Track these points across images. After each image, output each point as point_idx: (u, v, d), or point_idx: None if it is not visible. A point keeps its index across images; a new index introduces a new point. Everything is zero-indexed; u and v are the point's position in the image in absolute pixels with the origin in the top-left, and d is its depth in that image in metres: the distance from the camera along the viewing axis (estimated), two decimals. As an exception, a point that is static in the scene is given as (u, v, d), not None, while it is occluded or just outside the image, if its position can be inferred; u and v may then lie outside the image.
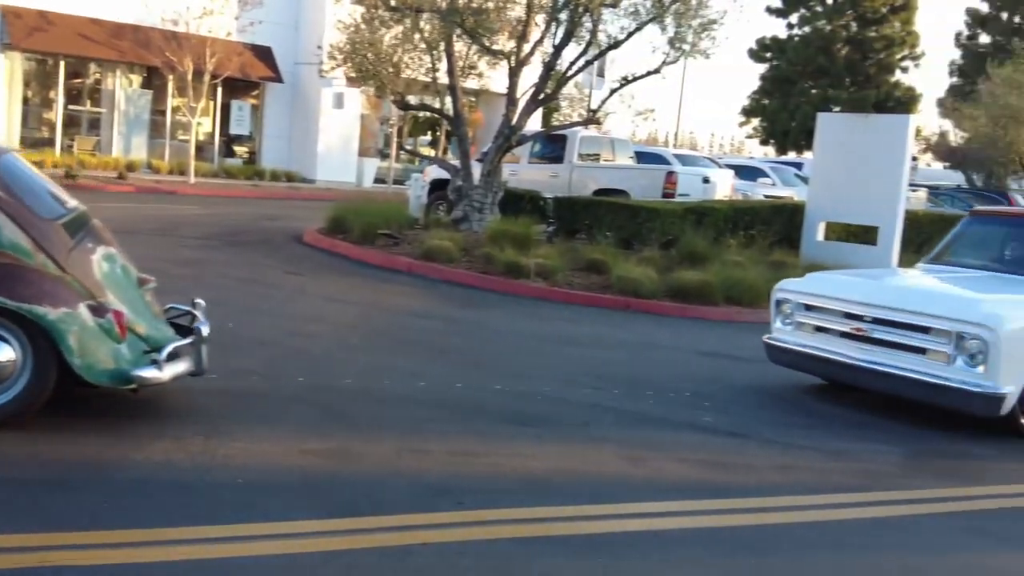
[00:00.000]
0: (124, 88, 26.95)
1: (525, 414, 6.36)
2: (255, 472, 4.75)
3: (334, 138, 29.12)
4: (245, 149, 29.73)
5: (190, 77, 23.12)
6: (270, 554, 3.86)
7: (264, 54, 27.48)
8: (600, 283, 12.29)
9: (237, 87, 27.86)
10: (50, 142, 25.68)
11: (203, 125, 27.18)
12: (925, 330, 6.84)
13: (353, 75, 16.88)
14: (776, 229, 15.75)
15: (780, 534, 4.69)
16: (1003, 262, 8.24)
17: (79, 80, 26.72)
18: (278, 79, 28.18)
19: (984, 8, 46.91)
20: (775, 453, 6.08)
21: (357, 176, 29.70)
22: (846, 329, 7.28)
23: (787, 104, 44.87)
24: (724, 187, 18.16)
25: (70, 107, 26.41)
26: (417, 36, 15.15)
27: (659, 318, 11.19)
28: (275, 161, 28.79)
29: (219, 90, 26.57)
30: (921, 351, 6.86)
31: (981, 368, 6.57)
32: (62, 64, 25.47)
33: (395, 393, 6.58)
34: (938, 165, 43.46)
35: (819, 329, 7.53)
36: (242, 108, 29.16)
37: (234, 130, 29.24)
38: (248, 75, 26.89)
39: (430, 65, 15.35)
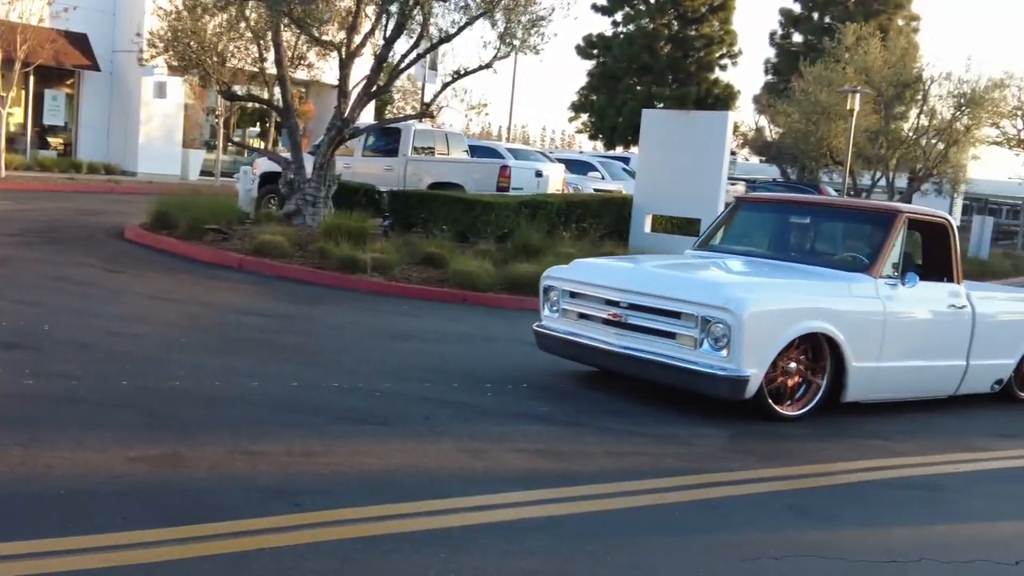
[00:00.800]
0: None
1: (363, 411, 6.31)
2: (80, 482, 4.51)
3: (156, 129, 27.96)
4: (60, 141, 28.16)
5: (-2, 65, 21.76)
6: (97, 567, 3.68)
7: (79, 41, 26.10)
8: (437, 277, 12.30)
9: (51, 76, 26.37)
10: None
11: (14, 116, 25.61)
12: (676, 315, 6.88)
13: (175, 64, 16.26)
14: (606, 222, 16.17)
15: (617, 520, 4.82)
16: (765, 246, 8.46)
17: None
18: (95, 67, 26.84)
19: (797, 9, 49.57)
20: (610, 440, 6.25)
21: (182, 168, 28.63)
22: (604, 315, 7.31)
23: (614, 100, 46.10)
24: (556, 181, 18.49)
25: None
26: (243, 25, 14.74)
27: (496, 311, 11.30)
28: (93, 153, 27.38)
29: (31, 79, 25.10)
30: (672, 336, 6.91)
31: (725, 352, 6.62)
32: None
33: (227, 394, 6.39)
34: (755, 159, 45.65)
35: (582, 316, 7.54)
36: (56, 98, 27.63)
37: (48, 121, 27.67)
38: (62, 63, 25.47)
39: (257, 55, 14.97)
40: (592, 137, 50.38)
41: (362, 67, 14.98)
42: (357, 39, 14.40)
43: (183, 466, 4.91)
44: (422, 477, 5.13)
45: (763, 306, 6.79)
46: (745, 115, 46.92)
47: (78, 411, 5.69)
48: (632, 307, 7.11)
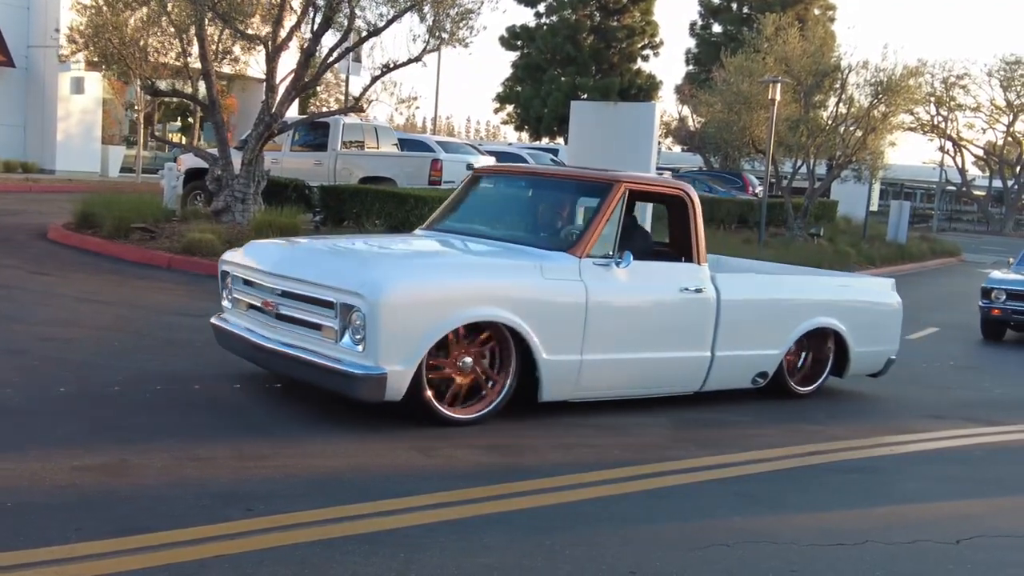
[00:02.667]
0: None
1: (310, 412, 6.26)
2: (26, 494, 4.41)
3: (74, 125, 27.23)
4: (-27, 139, 27.25)
5: (-97, 59, 20.96)
6: (51, 582, 3.61)
7: (-9, 36, 25.30)
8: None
9: (-39, 71, 25.52)
10: None
11: (-78, 113, 24.75)
12: (320, 302, 5.92)
13: (96, 60, 15.85)
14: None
15: (569, 513, 4.88)
16: (482, 222, 7.42)
17: None
18: (9, 63, 26.01)
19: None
20: (555, 432, 6.31)
21: (102, 165, 27.95)
22: (259, 304, 6.39)
23: (539, 91, 46.26)
24: (487, 173, 18.48)
25: None
26: (165, 19, 14.43)
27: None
28: (9, 151, 26.53)
29: (-61, 74, 24.24)
30: (319, 328, 5.94)
31: (361, 346, 5.67)
32: None
33: (168, 398, 6.28)
34: (678, 148, 46.31)
35: (251, 307, 6.53)
36: (-32, 94, 26.71)
37: (-41, 118, 26.74)
38: (-27, 58, 24.68)
39: (180, 49, 14.66)
40: (518, 128, 50.51)
41: (288, 61, 14.79)
42: (283, 33, 14.20)
43: (132, 474, 4.82)
44: (375, 477, 5.13)
45: (406, 290, 5.77)
46: (667, 105, 47.42)
47: (17, 421, 5.55)
48: (284, 294, 6.14)
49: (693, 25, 51.50)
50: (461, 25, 13.82)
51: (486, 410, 6.19)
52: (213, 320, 6.97)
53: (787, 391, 7.93)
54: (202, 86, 14.87)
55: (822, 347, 8.12)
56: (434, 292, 5.91)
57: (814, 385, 8.17)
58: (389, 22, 13.65)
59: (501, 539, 4.42)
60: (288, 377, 6.58)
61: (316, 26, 13.77)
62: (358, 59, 27.92)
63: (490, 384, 6.22)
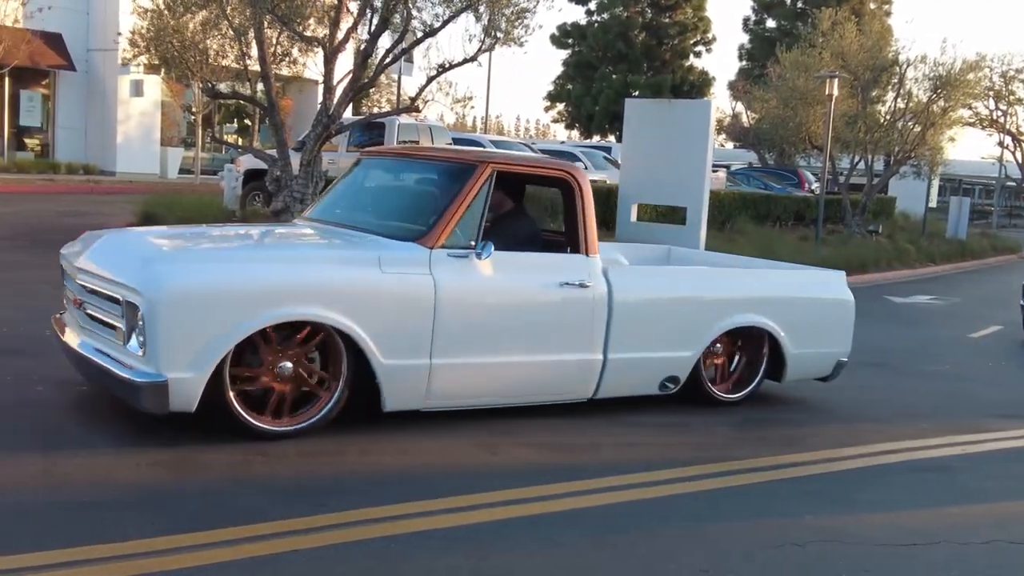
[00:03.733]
0: None
1: (368, 410, 6.30)
2: (98, 490, 4.50)
3: (134, 128, 27.76)
4: (37, 142, 27.92)
5: (-27, 66, 21.53)
6: (135, 575, 3.68)
7: (54, 41, 25.86)
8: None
9: (26, 76, 26.12)
10: None
11: (-10, 117, 25.42)
12: (113, 300, 5.24)
13: (156, 63, 16.15)
14: (592, 212, 16.17)
15: (635, 512, 4.86)
16: (351, 208, 6.68)
17: None
18: (70, 67, 26.60)
19: (769, -5, 49.78)
20: (617, 431, 6.29)
21: (161, 167, 28.46)
22: (74, 301, 5.72)
23: (590, 89, 46.13)
24: (541, 172, 18.45)
25: None
26: (225, 23, 14.63)
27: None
28: (71, 153, 27.16)
29: (6, 80, 24.83)
30: (114, 329, 5.26)
31: (143, 350, 4.94)
32: None
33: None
34: (730, 145, 45.88)
35: (73, 304, 5.79)
36: (32, 99, 27.38)
37: (24, 122, 27.43)
38: (38, 63, 25.24)
39: (240, 52, 14.87)
40: (568, 126, 50.42)
41: (344, 62, 14.93)
42: (340, 34, 14.34)
43: (199, 471, 4.90)
44: (439, 474, 5.15)
45: (189, 286, 5.02)
46: (720, 101, 47.04)
47: (93, 417, 5.67)
48: (89, 291, 5.50)
49: (746, 21, 51.02)
50: (516, 24, 13.83)
51: (311, 420, 5.43)
52: (55, 317, 6.19)
53: (708, 398, 7.00)
54: (260, 88, 15.06)
55: (758, 349, 7.20)
56: (229, 288, 5.12)
57: (744, 391, 7.19)
58: (445, 22, 13.71)
59: (571, 536, 4.42)
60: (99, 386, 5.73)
61: (373, 27, 13.86)
62: (410, 59, 28.16)
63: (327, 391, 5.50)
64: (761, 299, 7.10)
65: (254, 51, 14.40)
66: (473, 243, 5.76)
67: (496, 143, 20.49)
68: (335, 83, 14.35)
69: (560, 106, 49.33)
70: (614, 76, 45.82)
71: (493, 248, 5.75)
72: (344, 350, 5.43)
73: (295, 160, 14.61)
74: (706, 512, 4.95)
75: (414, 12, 13.76)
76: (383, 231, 5.94)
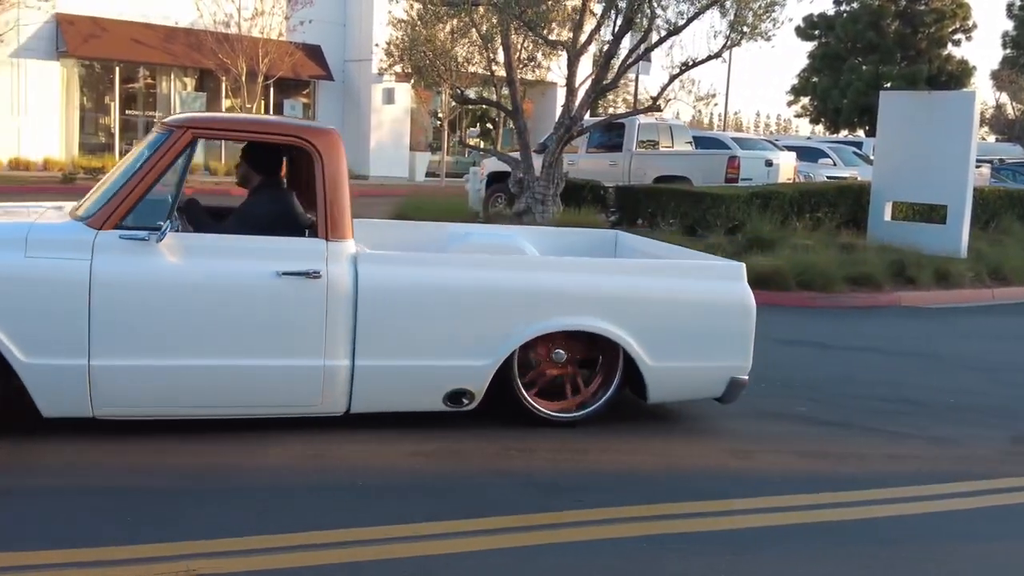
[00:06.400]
0: (179, 91, 27.31)
1: (617, 409, 6.32)
2: (373, 475, 4.78)
3: (386, 134, 29.29)
4: (298, 148, 29.95)
5: (243, 78, 23.34)
6: (401, 557, 3.88)
7: (314, 53, 27.68)
8: (669, 272, 12.19)
9: (288, 86, 28.11)
10: (108, 147, 26.11)
11: (256, 125, 27.46)
12: None
13: (408, 71, 16.94)
14: (843, 211, 15.58)
15: (907, 526, 4.61)
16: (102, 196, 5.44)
17: (134, 85, 27.14)
18: (329, 77, 28.38)
19: (1038, -24, 45.99)
20: (880, 442, 5.99)
21: (409, 170, 29.84)
22: None
23: (838, 82, 44.30)
24: (787, 170, 17.95)
25: (126, 112, 26.83)
26: (473, 31, 15.16)
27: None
28: (328, 159, 28.97)
29: (271, 90, 26.79)
30: None
31: None
32: (117, 70, 25.88)
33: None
34: (992, 138, 42.70)
35: None
36: (294, 107, 29.42)
37: (287, 129, 29.48)
38: (299, 74, 27.10)
39: (488, 57, 15.35)
40: (813, 121, 48.67)
41: (584, 64, 15.10)
42: (583, 37, 14.51)
43: (461, 460, 5.09)
44: (687, 477, 5.10)
45: None
46: (982, 92, 43.91)
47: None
48: None
49: (1010, 6, 47.31)
50: (764, 18, 13.51)
51: None
52: None
53: (530, 417, 5.64)
54: (504, 92, 15.50)
55: (615, 360, 5.76)
56: None
57: (586, 411, 5.77)
58: (689, 20, 13.59)
59: (829, 549, 4.25)
60: None
61: (616, 28, 13.94)
62: (648, 59, 28.12)
63: None
64: (597, 297, 5.57)
65: (500, 57, 14.83)
66: (162, 224, 4.85)
67: (739, 141, 20.05)
68: (577, 85, 14.55)
69: (805, 100, 47.71)
70: (864, 67, 43.78)
71: (171, 228, 4.89)
72: None
73: (537, 162, 14.92)
74: (983, 531, 4.61)
75: (658, 11, 13.72)
76: (84, 214, 5.08)
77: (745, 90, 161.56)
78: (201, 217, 5.59)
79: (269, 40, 23.74)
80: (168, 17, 24.69)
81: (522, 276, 5.50)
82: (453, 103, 23.94)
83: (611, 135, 18.19)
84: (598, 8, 14.78)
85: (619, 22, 13.96)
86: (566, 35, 14.75)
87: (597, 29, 14.65)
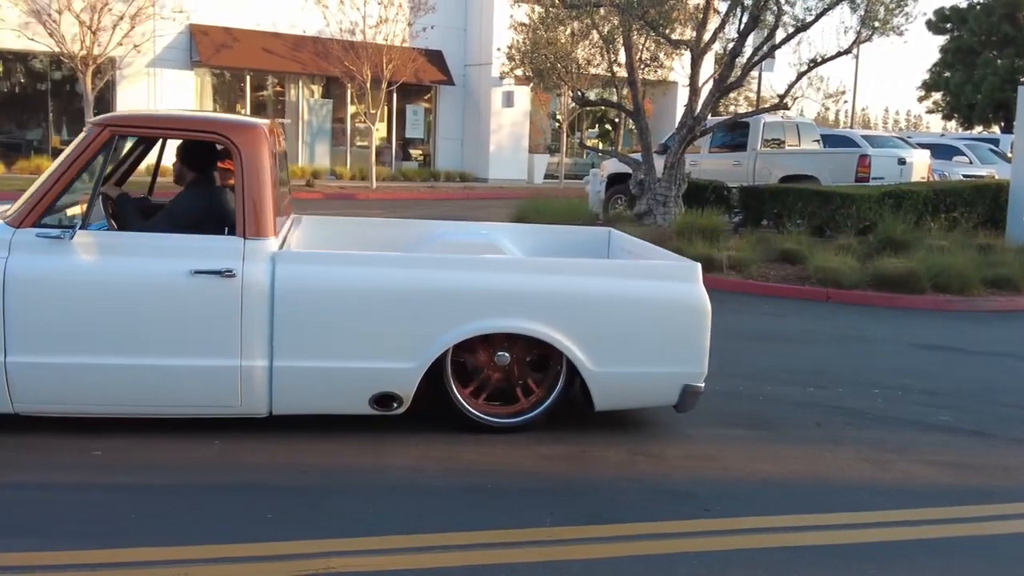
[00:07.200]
0: (306, 99, 28.06)
1: (748, 415, 6.20)
2: (502, 477, 4.80)
3: (505, 137, 29.48)
4: (420, 152, 30.47)
5: (368, 85, 23.81)
6: (534, 561, 3.88)
7: (436, 58, 28.06)
8: (796, 274, 11.93)
9: (410, 91, 28.56)
10: (239, 154, 26.97)
11: (380, 131, 27.99)
12: None
13: (529, 74, 17.02)
14: (979, 211, 14.97)
15: (1055, 543, 4.39)
16: None
17: (264, 92, 28.00)
18: (450, 82, 28.72)
19: None
20: (1028, 454, 5.72)
21: (528, 173, 29.97)
22: None
23: (971, 76, 42.51)
24: (921, 168, 17.32)
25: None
26: (595, 33, 15.13)
27: (864, 309, 10.75)
28: (449, 162, 29.38)
29: (394, 96, 27.26)
30: None
31: None
32: (248, 78, 26.75)
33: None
34: None
35: None
36: (416, 112, 29.89)
37: (409, 134, 30.03)
38: (422, 80, 27.50)
39: (610, 59, 15.29)
40: (945, 117, 46.81)
41: (707, 63, 14.88)
42: (707, 35, 14.31)
43: (591, 465, 5.07)
44: (826, 488, 4.95)
45: None
46: None
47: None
48: None
49: None
50: (895, 12, 13.07)
51: None
52: None
53: (467, 422, 5.43)
54: (625, 92, 15.41)
55: (557, 364, 5.49)
56: None
57: (525, 417, 5.51)
58: (818, 16, 13.26)
59: (976, 564, 4.07)
60: None
61: (742, 26, 13.69)
62: (771, 56, 27.56)
63: None
64: (529, 298, 5.31)
65: (622, 58, 14.75)
66: (78, 221, 5.00)
67: (869, 138, 19.45)
68: (700, 84, 14.36)
69: (936, 96, 45.94)
70: (999, 61, 41.88)
71: (99, 227, 4.96)
72: None
73: (658, 163, 14.77)
74: None
75: (785, 7, 13.43)
76: (9, 214, 5.16)
77: (873, 86, 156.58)
78: (129, 214, 5.57)
79: (393, 47, 24.15)
80: (296, 26, 25.39)
81: (447, 276, 5.28)
82: (572, 105, 23.90)
83: (735, 134, 17.87)
84: (722, 6, 14.56)
85: (744, 19, 13.71)
86: (689, 34, 14.58)
87: (721, 27, 14.43)
